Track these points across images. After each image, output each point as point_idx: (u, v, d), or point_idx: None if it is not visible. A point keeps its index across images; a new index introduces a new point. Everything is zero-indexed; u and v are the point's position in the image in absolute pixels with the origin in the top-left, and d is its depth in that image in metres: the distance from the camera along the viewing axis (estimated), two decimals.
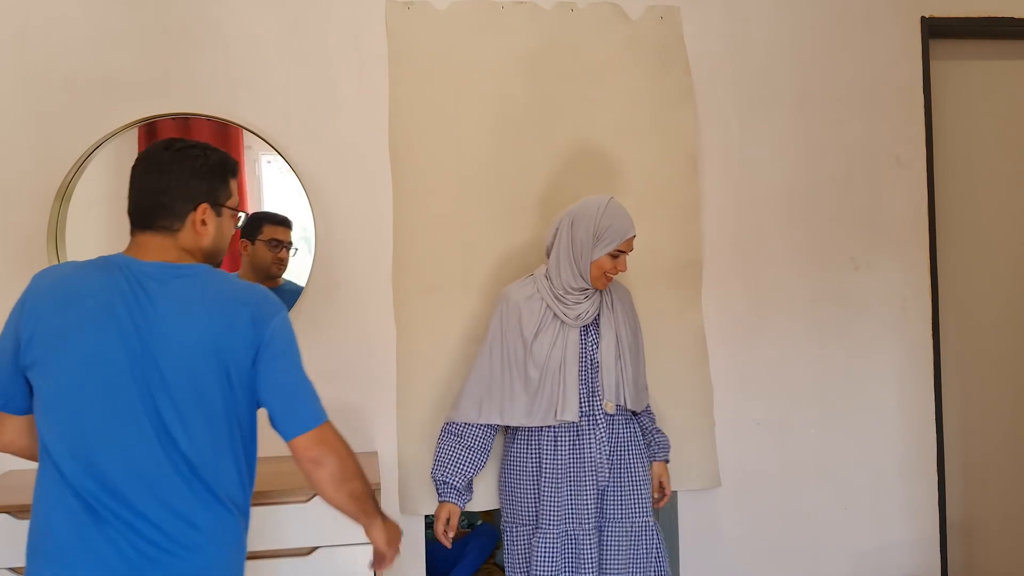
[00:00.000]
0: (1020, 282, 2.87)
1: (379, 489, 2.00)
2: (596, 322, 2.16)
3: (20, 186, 2.24)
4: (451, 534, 2.17)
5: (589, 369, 2.12)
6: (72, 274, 1.44)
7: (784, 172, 2.62)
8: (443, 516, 2.16)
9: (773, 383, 2.61)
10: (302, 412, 1.48)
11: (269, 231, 2.36)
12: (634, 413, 2.23)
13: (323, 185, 2.35)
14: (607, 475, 2.10)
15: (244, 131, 2.32)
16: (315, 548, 1.96)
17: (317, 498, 1.95)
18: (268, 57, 2.36)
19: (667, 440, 2.31)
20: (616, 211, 2.10)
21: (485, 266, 2.42)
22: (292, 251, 2.36)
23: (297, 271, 2.37)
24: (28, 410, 1.45)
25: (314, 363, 2.37)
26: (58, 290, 1.41)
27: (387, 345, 2.38)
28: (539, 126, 2.45)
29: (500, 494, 2.25)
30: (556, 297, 2.12)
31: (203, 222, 1.47)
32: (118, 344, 1.38)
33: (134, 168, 1.48)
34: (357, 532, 1.95)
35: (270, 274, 2.36)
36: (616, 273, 2.13)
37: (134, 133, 2.29)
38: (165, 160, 1.47)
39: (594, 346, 2.13)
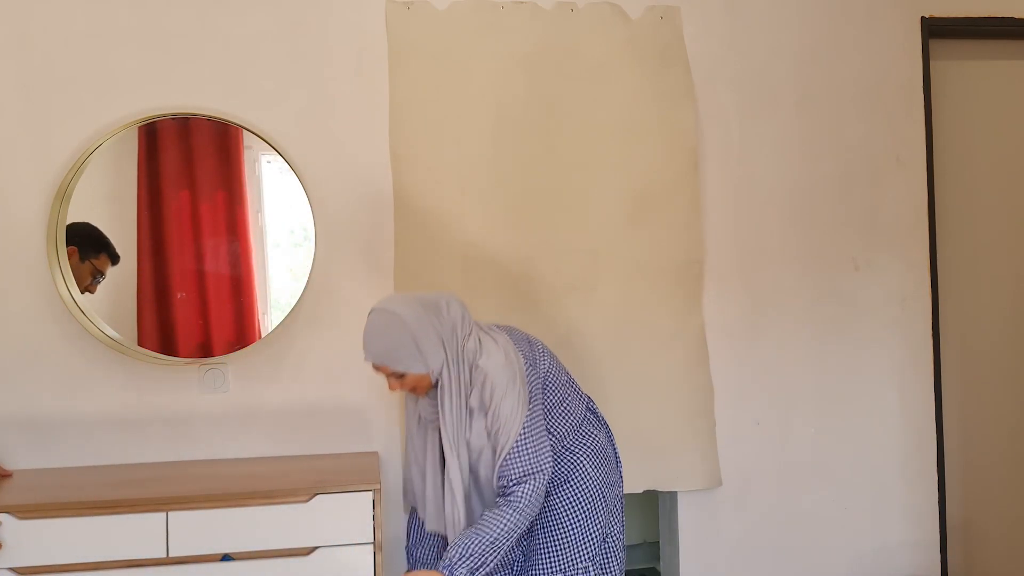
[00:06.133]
0: (1020, 282, 2.87)
1: (379, 490, 2.00)
2: None
3: (20, 186, 2.24)
4: None
5: None
6: None
7: (784, 172, 2.63)
8: None
9: (773, 383, 2.61)
10: None
11: (102, 263, 2.30)
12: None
13: (323, 185, 2.35)
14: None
15: (244, 131, 2.32)
16: (315, 548, 1.96)
17: (317, 498, 1.95)
18: (268, 57, 2.36)
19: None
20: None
21: (485, 266, 2.41)
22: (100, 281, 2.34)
23: (297, 271, 2.37)
24: None
25: (314, 363, 2.40)
26: None
27: None
28: (539, 126, 2.45)
29: None
30: None
31: None
32: None
33: None
34: (357, 532, 1.97)
35: (79, 290, 2.31)
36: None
37: (134, 133, 2.29)
38: None
39: None
